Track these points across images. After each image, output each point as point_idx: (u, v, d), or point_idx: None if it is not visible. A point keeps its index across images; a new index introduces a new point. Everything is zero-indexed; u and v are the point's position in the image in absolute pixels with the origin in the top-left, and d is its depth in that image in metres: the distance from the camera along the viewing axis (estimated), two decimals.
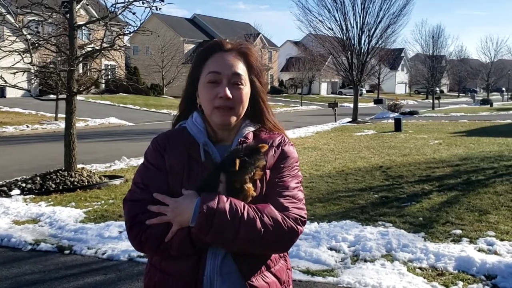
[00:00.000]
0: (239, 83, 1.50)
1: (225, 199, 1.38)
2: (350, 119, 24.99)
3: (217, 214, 1.34)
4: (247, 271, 1.45)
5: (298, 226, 1.44)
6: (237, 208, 1.37)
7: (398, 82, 76.40)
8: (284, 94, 56.88)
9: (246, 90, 1.52)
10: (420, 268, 4.30)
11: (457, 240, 4.96)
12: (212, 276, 1.43)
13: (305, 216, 1.49)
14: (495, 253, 4.57)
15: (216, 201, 1.36)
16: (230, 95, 1.46)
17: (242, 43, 1.57)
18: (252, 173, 1.43)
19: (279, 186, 1.49)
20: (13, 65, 7.78)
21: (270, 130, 1.60)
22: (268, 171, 1.49)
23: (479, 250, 4.64)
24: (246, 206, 1.39)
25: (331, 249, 4.80)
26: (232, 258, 1.44)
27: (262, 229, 1.37)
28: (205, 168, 1.47)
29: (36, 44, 8.51)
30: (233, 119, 1.50)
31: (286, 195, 1.47)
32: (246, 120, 1.56)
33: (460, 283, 3.94)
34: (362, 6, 24.63)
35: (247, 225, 1.36)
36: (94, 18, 9.89)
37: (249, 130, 1.55)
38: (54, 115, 22.01)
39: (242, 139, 1.51)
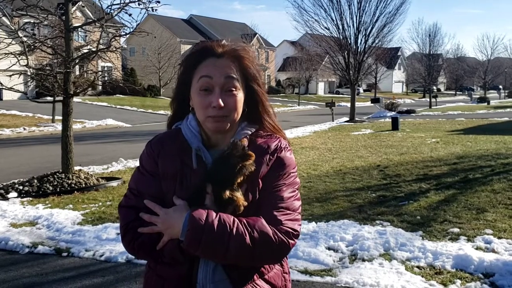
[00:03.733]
0: (232, 89, 1.44)
1: (214, 214, 1.35)
2: (347, 119, 25.03)
3: (206, 231, 1.32)
4: (237, 281, 1.42)
5: (290, 240, 1.40)
6: (226, 224, 1.34)
7: (395, 81, 76.57)
8: (282, 94, 56.94)
9: (239, 96, 1.46)
10: (418, 267, 4.30)
11: (454, 238, 4.96)
12: (204, 283, 1.42)
13: (299, 228, 1.44)
14: (493, 251, 4.57)
15: (204, 217, 1.33)
16: (222, 104, 1.42)
17: (236, 46, 1.50)
18: (239, 180, 1.39)
19: (274, 197, 1.44)
20: (9, 67, 7.74)
21: (270, 132, 1.55)
22: (260, 180, 1.45)
23: (476, 248, 4.65)
24: (236, 221, 1.36)
25: (329, 248, 4.80)
26: (223, 267, 1.42)
27: (251, 245, 1.34)
28: (197, 174, 1.44)
29: (32, 46, 8.49)
30: (227, 125, 1.46)
31: (280, 206, 1.43)
32: (243, 123, 1.51)
33: (458, 282, 3.95)
34: (358, 5, 24.75)
35: (236, 241, 1.33)
36: (90, 20, 9.88)
37: (245, 134, 1.50)
38: (51, 117, 21.95)
39: (235, 140, 1.46)
